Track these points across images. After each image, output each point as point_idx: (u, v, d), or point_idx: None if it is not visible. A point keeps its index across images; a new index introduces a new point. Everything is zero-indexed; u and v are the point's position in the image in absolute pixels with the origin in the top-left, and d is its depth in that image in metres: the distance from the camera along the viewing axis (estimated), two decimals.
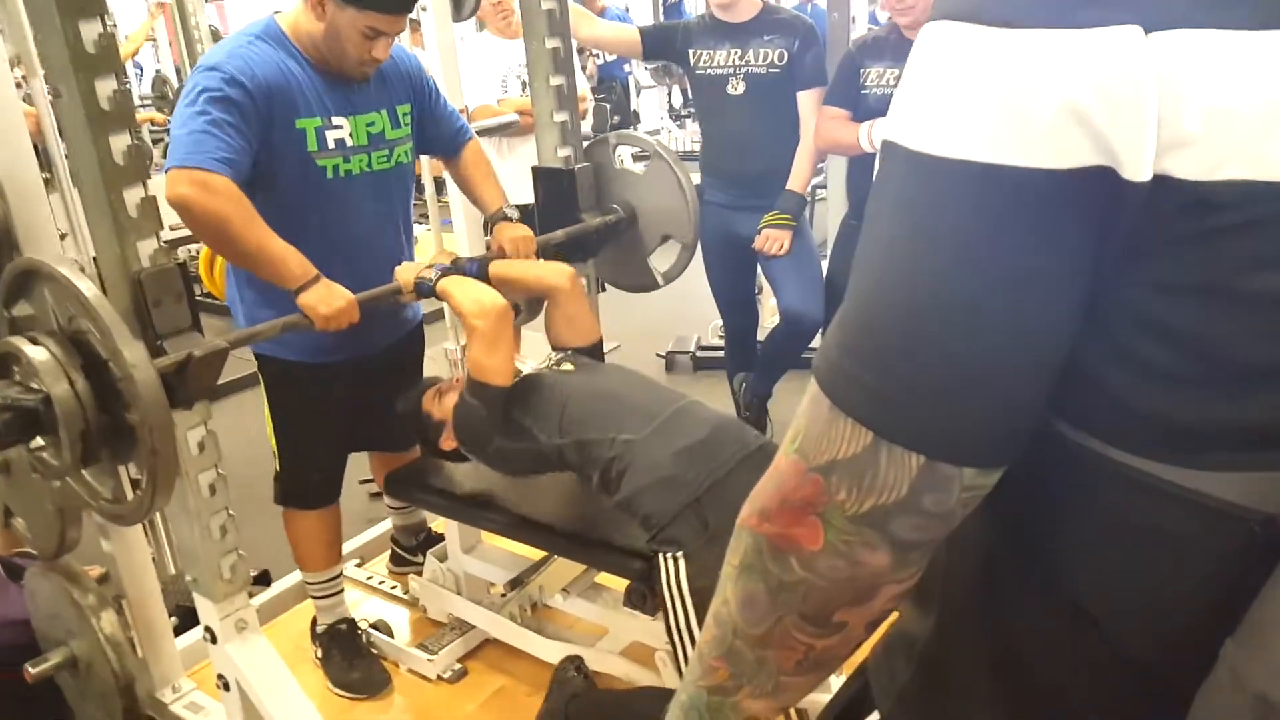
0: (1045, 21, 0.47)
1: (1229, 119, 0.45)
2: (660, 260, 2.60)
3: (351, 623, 2.34)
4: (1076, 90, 0.46)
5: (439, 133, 2.21)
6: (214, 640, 1.84)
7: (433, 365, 2.71)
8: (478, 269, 2.09)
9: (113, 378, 1.46)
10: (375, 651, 2.33)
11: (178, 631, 2.32)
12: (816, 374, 0.58)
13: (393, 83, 2.07)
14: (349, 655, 2.28)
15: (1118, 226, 0.49)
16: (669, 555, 1.64)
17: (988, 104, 0.49)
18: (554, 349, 2.13)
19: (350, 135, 1.98)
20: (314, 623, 2.37)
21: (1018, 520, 0.61)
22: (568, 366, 2.02)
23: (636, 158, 2.72)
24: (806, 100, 2.95)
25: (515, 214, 2.26)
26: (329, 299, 1.87)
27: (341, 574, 2.36)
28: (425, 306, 2.36)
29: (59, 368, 1.47)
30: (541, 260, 2.25)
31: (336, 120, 1.96)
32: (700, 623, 1.54)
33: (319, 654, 2.32)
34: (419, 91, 2.15)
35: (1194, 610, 0.54)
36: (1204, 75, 0.45)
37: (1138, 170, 0.46)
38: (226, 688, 1.88)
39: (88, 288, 1.45)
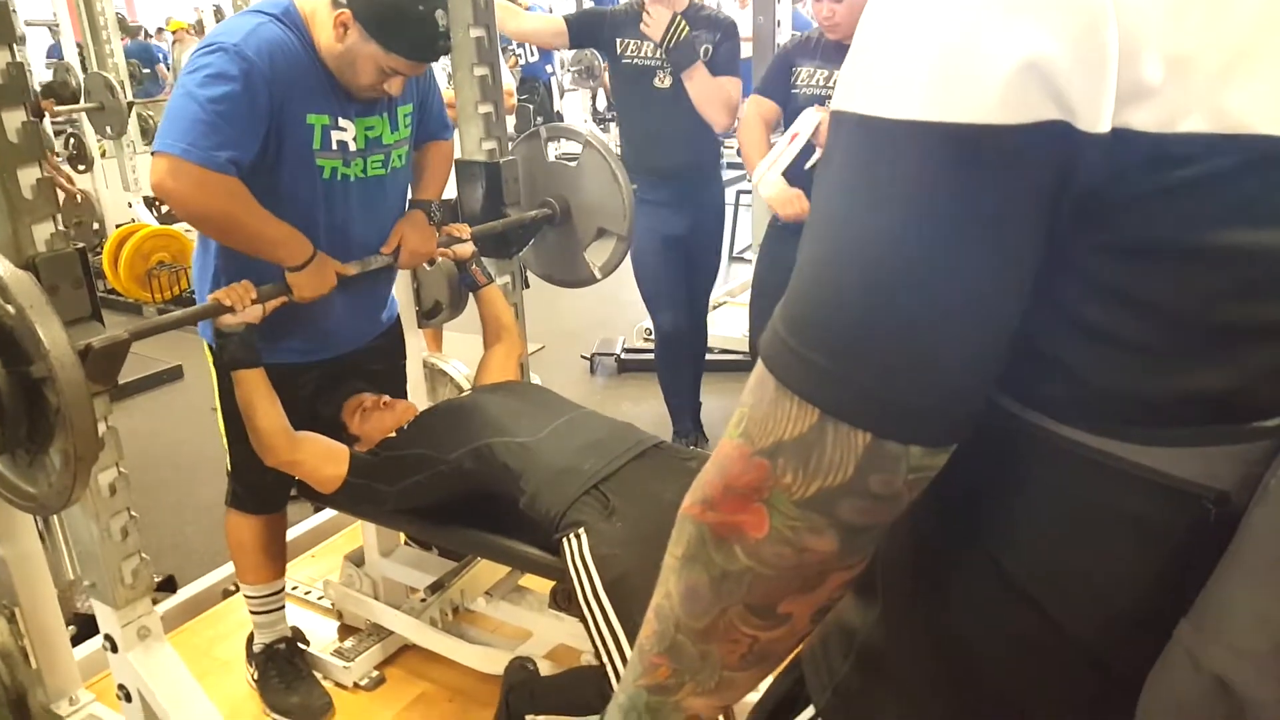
0: None
1: (1188, 69, 0.44)
2: (595, 254, 2.57)
3: (290, 641, 2.20)
4: (1033, 41, 0.45)
5: (419, 127, 2.10)
6: (114, 649, 1.75)
7: None
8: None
9: (26, 358, 1.37)
10: (317, 674, 2.20)
11: (76, 641, 2.19)
12: (762, 353, 0.56)
13: None
14: (287, 677, 2.15)
15: (1074, 185, 0.47)
16: (571, 535, 1.63)
17: (936, 62, 0.48)
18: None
19: (353, 140, 1.90)
20: (250, 641, 2.23)
21: (958, 502, 0.60)
22: (468, 392, 2.09)
23: (560, 157, 2.68)
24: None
25: (438, 213, 2.18)
26: (318, 284, 1.85)
27: (283, 589, 2.22)
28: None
29: None
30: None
31: (343, 122, 1.87)
32: (608, 591, 1.55)
33: (254, 675, 2.19)
34: (423, 88, 2.05)
35: (1144, 591, 0.54)
36: (1163, 24, 0.44)
37: (1095, 121, 0.45)
38: (128, 699, 1.79)
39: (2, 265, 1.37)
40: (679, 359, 3.42)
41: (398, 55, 1.78)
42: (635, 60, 3.05)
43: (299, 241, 1.83)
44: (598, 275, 2.58)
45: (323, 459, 1.87)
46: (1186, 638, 0.50)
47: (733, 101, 3.02)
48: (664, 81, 3.02)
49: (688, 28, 2.95)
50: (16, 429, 1.43)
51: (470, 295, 2.35)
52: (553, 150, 2.58)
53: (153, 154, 1.71)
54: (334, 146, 1.87)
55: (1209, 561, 0.49)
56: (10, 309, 1.37)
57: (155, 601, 1.91)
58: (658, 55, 3.00)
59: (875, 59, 0.51)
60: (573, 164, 2.50)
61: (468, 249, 2.21)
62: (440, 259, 2.30)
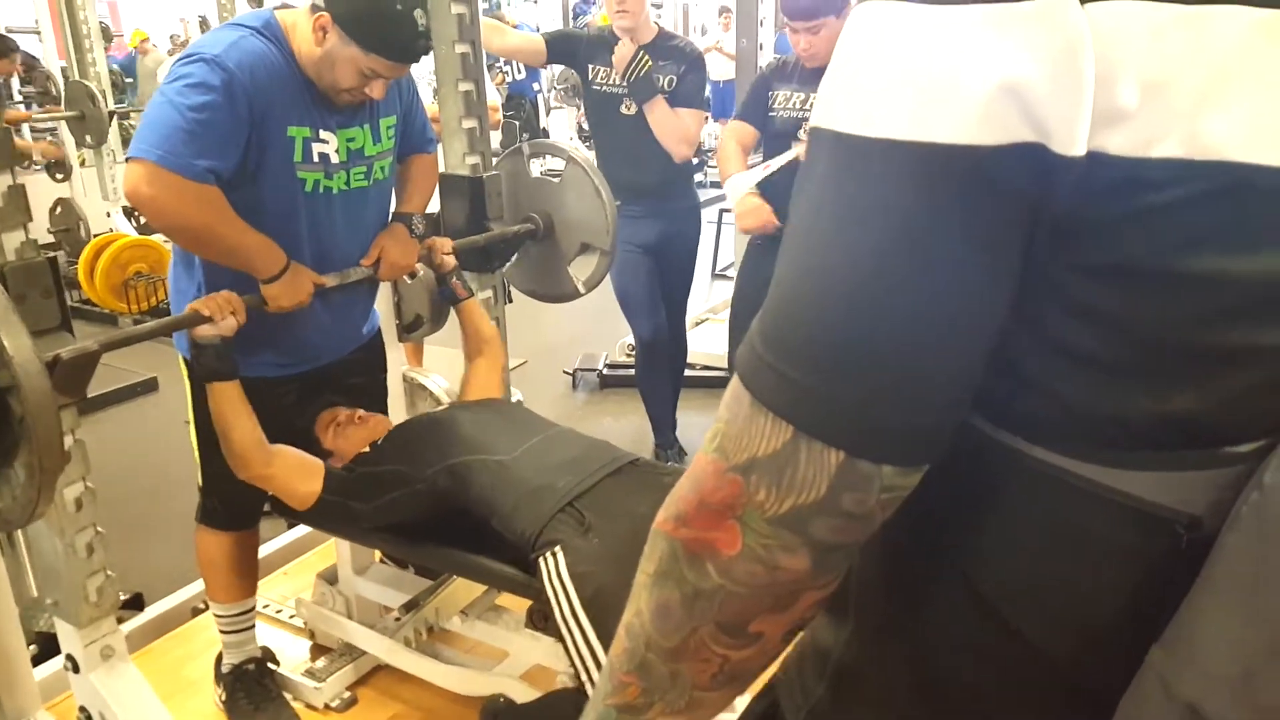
0: None
1: (1164, 94, 0.44)
2: (579, 269, 2.55)
3: (259, 662, 2.15)
4: (1011, 64, 0.45)
5: (403, 140, 2.08)
6: (76, 669, 1.71)
7: None
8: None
9: None
10: (287, 695, 2.15)
11: (37, 661, 2.14)
12: (738, 367, 0.55)
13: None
14: (256, 698, 2.10)
15: (1049, 207, 0.47)
16: (547, 554, 1.60)
17: (914, 82, 0.48)
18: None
19: (335, 152, 1.88)
20: (218, 661, 2.18)
21: (931, 523, 0.59)
22: (444, 408, 2.07)
23: (544, 173, 2.68)
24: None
25: (419, 227, 2.15)
26: (293, 294, 1.83)
27: (254, 608, 2.18)
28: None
29: None
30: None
31: (324, 135, 1.85)
32: (585, 608, 1.52)
33: (222, 697, 2.13)
34: (405, 100, 2.03)
35: (1117, 615, 0.53)
36: (1140, 48, 0.44)
37: (1070, 144, 0.45)
38: None
39: None
40: (659, 368, 3.42)
41: (378, 56, 1.76)
42: (604, 87, 3.16)
43: (273, 252, 1.80)
44: (581, 290, 2.58)
45: (297, 474, 1.83)
46: (1158, 663, 0.50)
47: (690, 135, 3.13)
48: (630, 109, 3.13)
49: (649, 63, 3.06)
50: None
51: (451, 309, 2.32)
52: (536, 166, 2.58)
53: (128, 160, 1.68)
54: (315, 159, 1.85)
55: (1182, 584, 0.49)
56: None
57: (121, 620, 1.87)
58: (623, 84, 3.09)
59: (854, 78, 0.51)
60: (556, 180, 2.50)
61: (449, 262, 2.20)
62: (422, 273, 2.28)
